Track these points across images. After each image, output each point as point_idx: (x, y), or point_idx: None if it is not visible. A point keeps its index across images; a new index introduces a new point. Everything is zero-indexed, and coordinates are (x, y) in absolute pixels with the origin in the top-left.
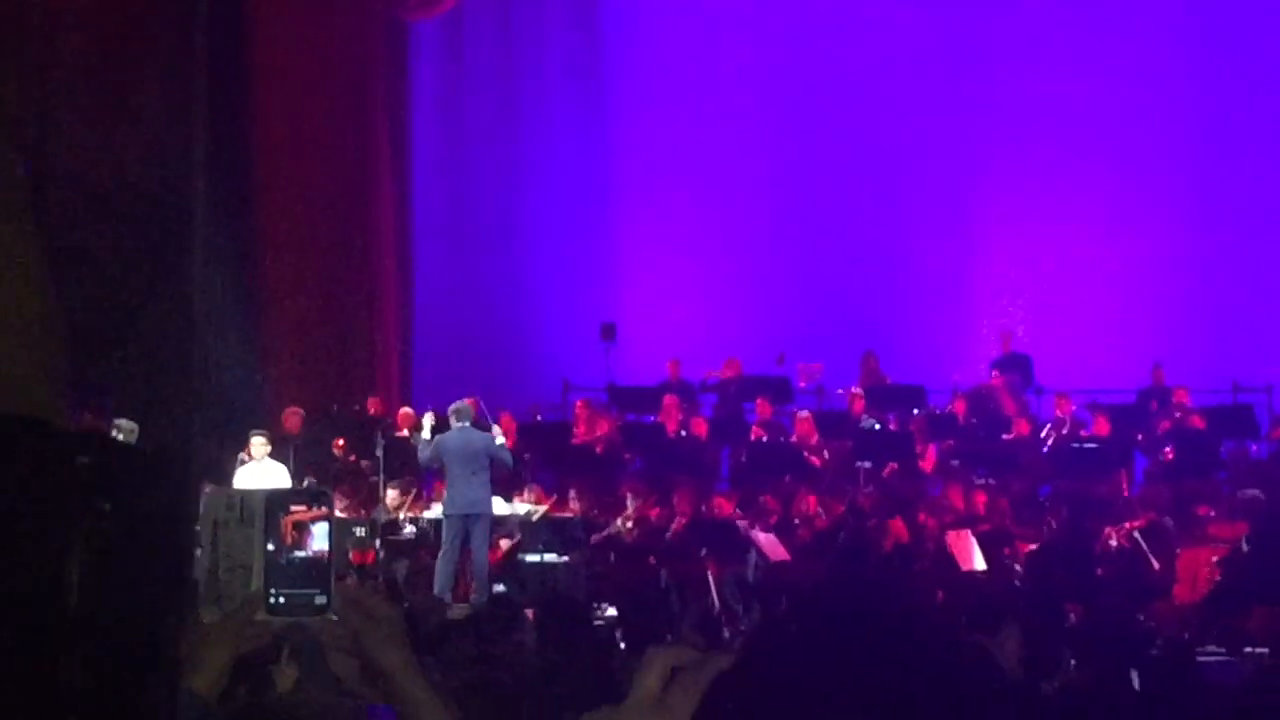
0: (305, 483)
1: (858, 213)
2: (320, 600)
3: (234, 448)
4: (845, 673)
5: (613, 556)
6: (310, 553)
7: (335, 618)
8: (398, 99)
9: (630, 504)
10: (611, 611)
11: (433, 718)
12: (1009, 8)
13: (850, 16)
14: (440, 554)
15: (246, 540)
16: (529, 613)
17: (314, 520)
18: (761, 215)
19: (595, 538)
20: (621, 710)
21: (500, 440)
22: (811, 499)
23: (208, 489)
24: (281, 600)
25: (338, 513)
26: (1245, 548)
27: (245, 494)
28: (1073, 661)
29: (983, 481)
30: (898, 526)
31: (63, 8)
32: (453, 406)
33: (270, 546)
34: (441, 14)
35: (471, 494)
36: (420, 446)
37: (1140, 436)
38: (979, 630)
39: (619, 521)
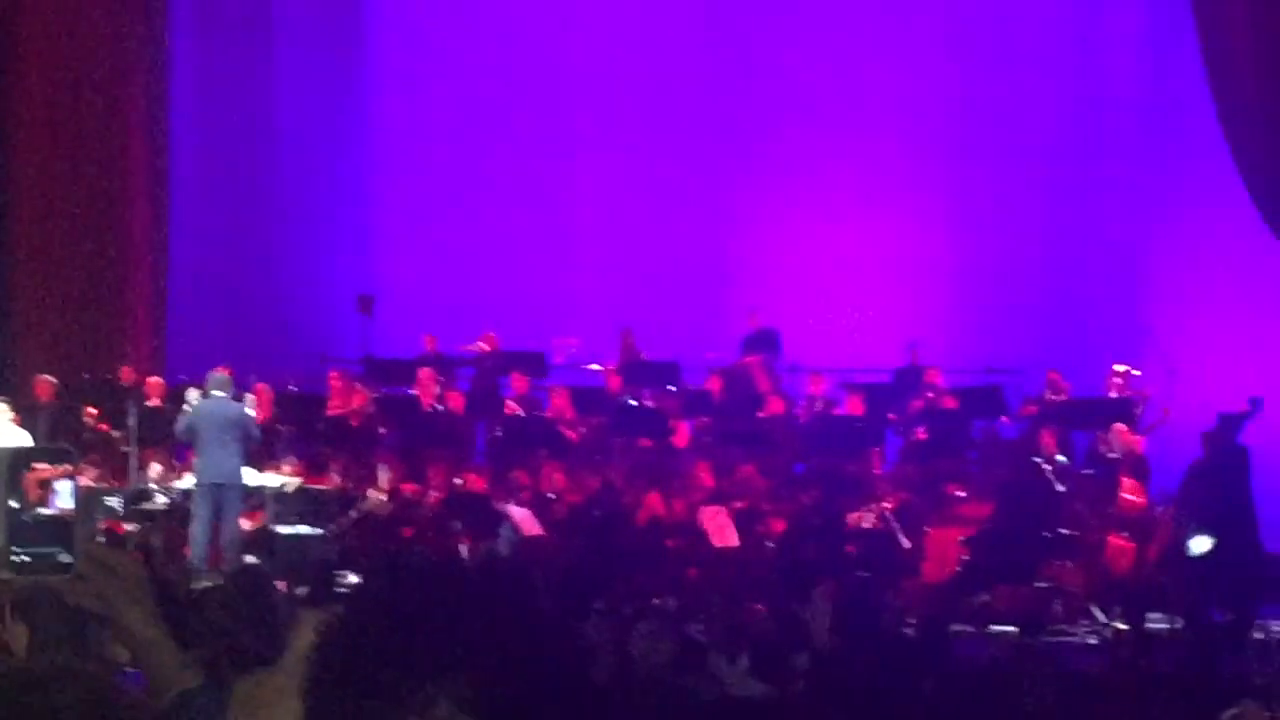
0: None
1: (616, 188)
2: (64, 558)
3: None
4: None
5: (366, 529)
6: (55, 510)
7: (79, 575)
8: (154, 63)
9: (383, 477)
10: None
11: (175, 676)
12: None
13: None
14: (192, 523)
15: None
16: (280, 584)
17: (58, 478)
18: (520, 190)
19: (351, 513)
20: (277, 668)
21: (251, 412)
22: (558, 474)
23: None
24: (25, 558)
25: (89, 482)
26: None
27: None
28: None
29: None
30: (653, 501)
31: None
32: (210, 376)
33: (13, 504)
34: None
35: (224, 463)
36: (178, 429)
37: (893, 416)
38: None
39: (372, 494)
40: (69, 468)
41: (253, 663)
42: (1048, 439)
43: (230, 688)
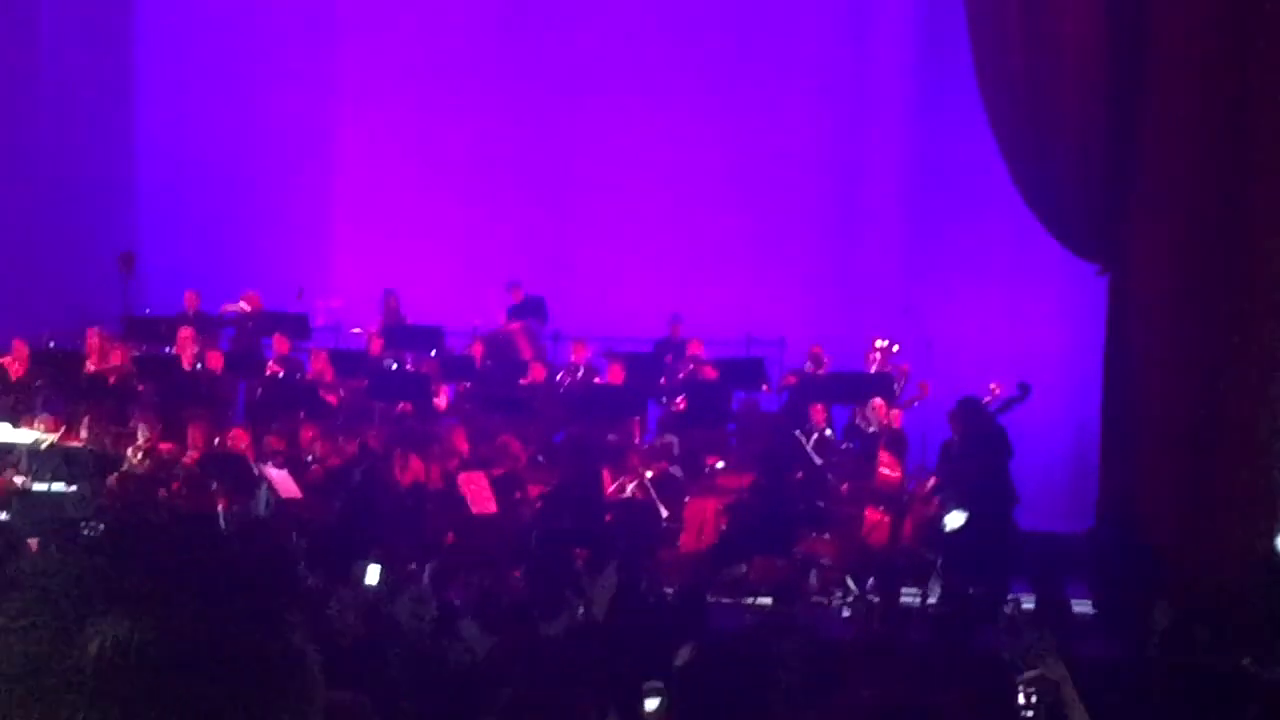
0: None
1: (382, 147)
2: None
3: None
4: None
5: (123, 487)
6: None
7: None
8: None
9: (141, 435)
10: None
11: None
12: None
13: None
14: None
15: None
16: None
17: None
18: (288, 145)
19: (113, 475)
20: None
21: None
22: (308, 434)
23: None
24: None
25: None
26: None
27: None
28: (580, 606)
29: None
30: (415, 465)
31: None
32: None
33: None
34: None
35: None
36: None
37: (655, 385)
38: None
39: (129, 452)
40: None
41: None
42: (818, 412)
43: None
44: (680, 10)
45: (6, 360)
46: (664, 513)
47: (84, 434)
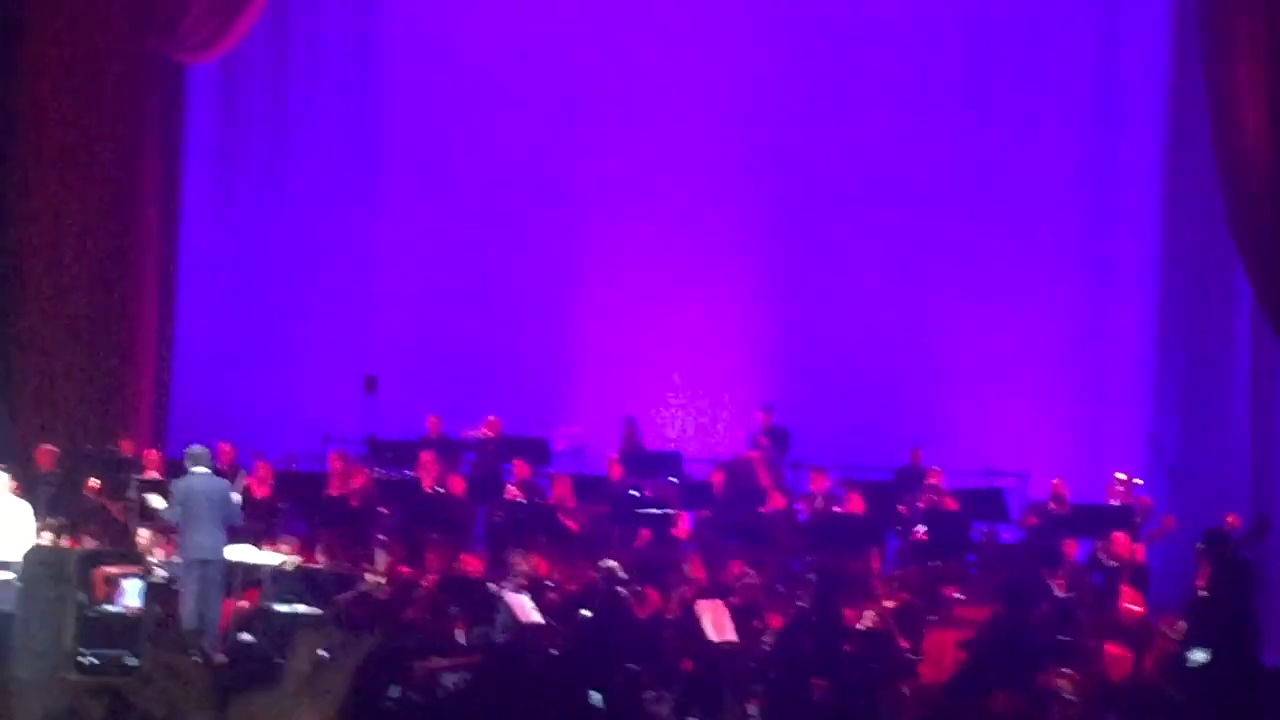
0: (48, 521)
1: (625, 278)
2: (130, 660)
3: None
4: None
5: (362, 609)
6: (122, 609)
7: (145, 678)
8: (169, 143)
9: (381, 558)
10: None
11: None
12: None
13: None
14: (183, 599)
15: (59, 598)
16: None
17: (125, 575)
18: (525, 274)
19: (346, 595)
20: (275, 693)
21: (236, 495)
22: (557, 562)
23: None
24: (92, 660)
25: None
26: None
27: (60, 552)
28: None
29: (736, 553)
30: (653, 597)
31: None
32: (189, 451)
33: (81, 599)
34: (218, 57)
35: (209, 540)
36: (163, 513)
37: (895, 515)
38: None
39: (369, 577)
40: (139, 566)
41: (251, 683)
42: (1070, 546)
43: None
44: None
45: (251, 481)
46: (903, 644)
47: (323, 556)
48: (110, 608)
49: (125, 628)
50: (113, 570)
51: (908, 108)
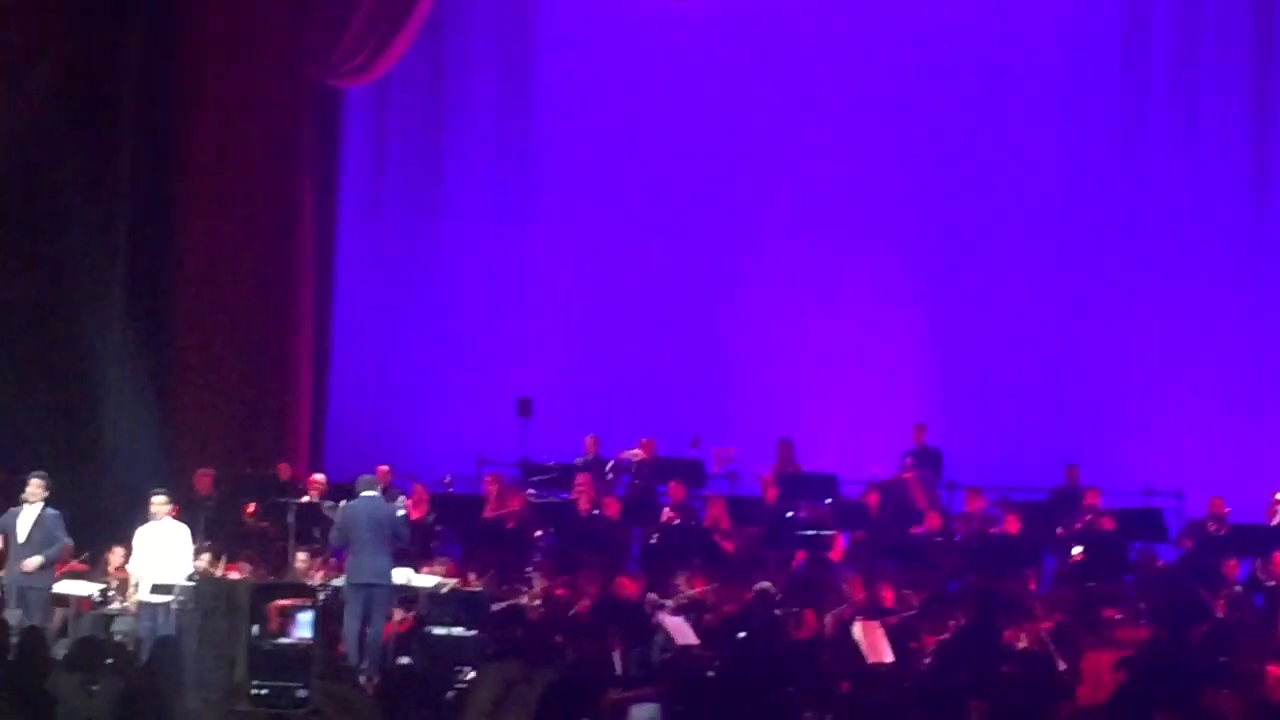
0: (206, 545)
1: (777, 299)
2: (301, 693)
3: (143, 507)
4: None
5: (518, 632)
6: (294, 640)
7: (315, 711)
8: (325, 168)
9: (537, 582)
10: None
11: None
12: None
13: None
14: (345, 622)
15: (232, 629)
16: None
17: (299, 608)
18: (682, 297)
19: (496, 607)
20: None
21: (402, 513)
22: (713, 584)
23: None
24: (264, 692)
25: (246, 578)
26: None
27: (233, 583)
28: None
29: (892, 574)
30: (810, 619)
31: None
32: (361, 478)
33: (255, 631)
34: (373, 80)
35: (376, 564)
36: (331, 534)
37: (1051, 535)
38: None
39: (525, 599)
40: (310, 599)
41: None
42: (1231, 567)
43: None
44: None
45: (407, 503)
46: (1061, 665)
47: (479, 580)
48: (283, 640)
49: (296, 659)
50: (287, 603)
51: (1063, 120)
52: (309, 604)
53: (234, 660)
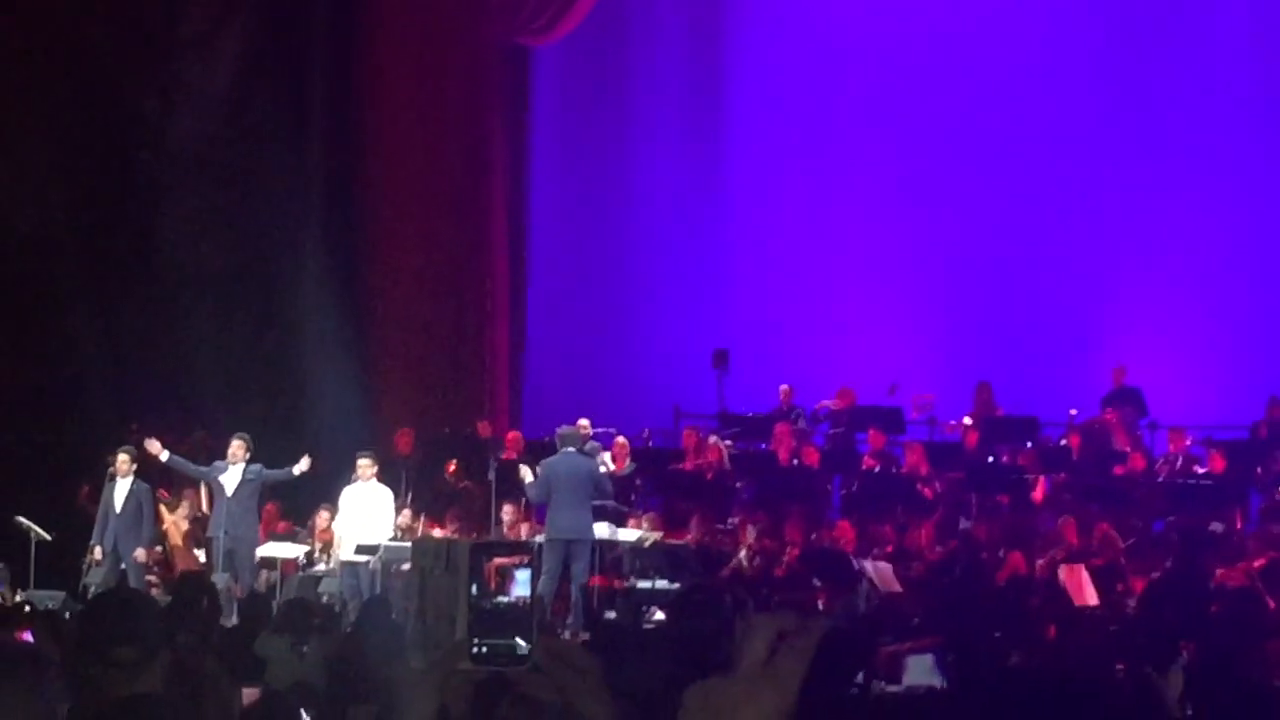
0: (409, 501)
1: (973, 242)
2: (522, 650)
3: (346, 469)
4: None
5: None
6: (513, 599)
7: (536, 667)
8: (516, 125)
9: (751, 534)
10: None
11: None
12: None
13: (974, 46)
14: (541, 578)
15: (452, 589)
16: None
17: (516, 565)
18: (876, 243)
19: (724, 571)
20: (733, 678)
21: (603, 468)
22: (926, 530)
23: (418, 537)
24: (484, 649)
25: (449, 534)
26: None
27: (451, 543)
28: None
29: (1096, 517)
30: (1016, 559)
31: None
32: (560, 431)
33: (474, 591)
34: (561, 38)
35: (576, 520)
36: (527, 488)
37: (1256, 473)
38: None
39: (742, 554)
40: (529, 557)
41: (705, 670)
42: None
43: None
44: None
45: (608, 458)
46: (1271, 604)
47: (685, 531)
48: (501, 598)
49: (516, 616)
50: (504, 561)
51: None
52: (526, 562)
53: (455, 619)
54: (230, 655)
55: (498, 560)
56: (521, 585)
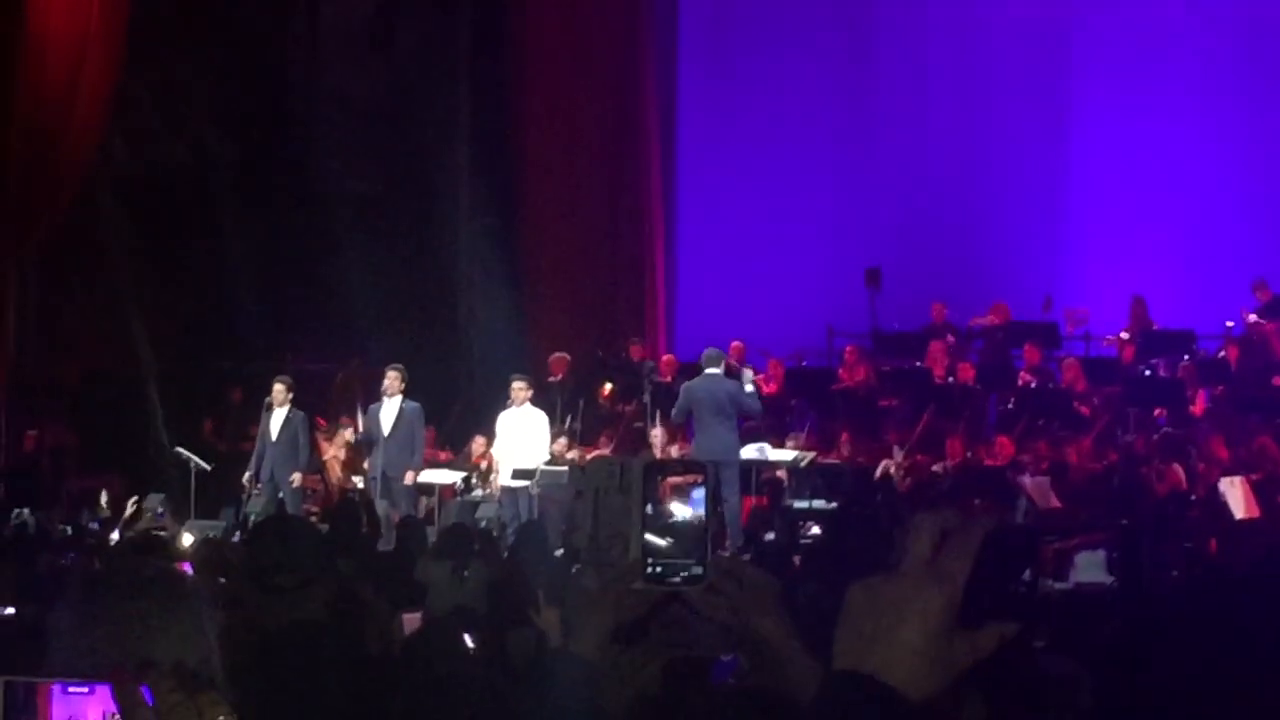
0: (569, 426)
1: (1122, 154)
2: (696, 570)
3: (501, 393)
4: None
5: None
6: (687, 518)
7: (711, 587)
8: (665, 47)
9: (898, 452)
10: None
11: (809, 678)
12: None
13: None
14: None
15: (625, 509)
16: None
17: (691, 485)
18: (1026, 158)
19: (877, 487)
20: (897, 577)
21: (750, 387)
22: (1086, 444)
23: (591, 456)
24: (658, 569)
25: (605, 453)
26: None
27: (625, 462)
28: None
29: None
30: (1175, 473)
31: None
32: (705, 353)
33: (649, 511)
34: None
35: (719, 441)
36: (672, 413)
37: None
38: None
39: (890, 469)
40: (701, 476)
41: (867, 570)
42: None
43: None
44: None
45: (760, 379)
46: None
47: (844, 451)
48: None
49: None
50: (678, 480)
51: None
52: (700, 480)
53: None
54: (389, 581)
55: (671, 480)
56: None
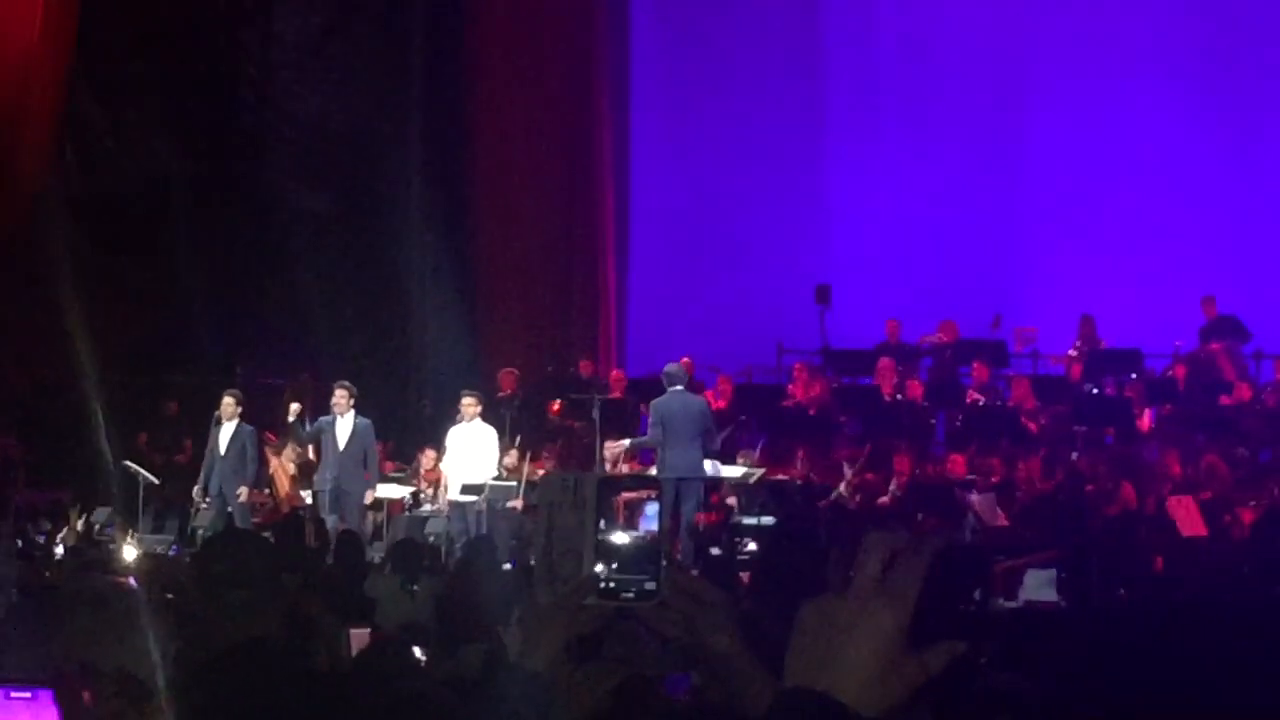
0: (517, 442)
1: (1074, 175)
2: (650, 585)
3: (450, 409)
4: None
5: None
6: (641, 533)
7: (664, 603)
8: (618, 62)
9: (848, 470)
10: None
11: (762, 696)
12: None
13: None
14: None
15: (579, 523)
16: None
17: (645, 500)
18: (977, 176)
19: (822, 503)
20: (846, 597)
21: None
22: (1035, 463)
23: (543, 472)
24: (611, 585)
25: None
26: None
27: (579, 477)
28: None
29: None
30: (1127, 490)
31: None
32: (667, 370)
33: (602, 526)
34: None
35: (687, 458)
36: (648, 437)
37: None
38: None
39: (841, 487)
40: (655, 491)
41: (801, 586)
42: None
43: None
44: None
45: (710, 394)
46: None
47: (789, 467)
48: (629, 534)
49: (644, 552)
50: (632, 495)
51: None
52: (654, 496)
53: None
54: (335, 595)
55: (626, 495)
56: (649, 520)
